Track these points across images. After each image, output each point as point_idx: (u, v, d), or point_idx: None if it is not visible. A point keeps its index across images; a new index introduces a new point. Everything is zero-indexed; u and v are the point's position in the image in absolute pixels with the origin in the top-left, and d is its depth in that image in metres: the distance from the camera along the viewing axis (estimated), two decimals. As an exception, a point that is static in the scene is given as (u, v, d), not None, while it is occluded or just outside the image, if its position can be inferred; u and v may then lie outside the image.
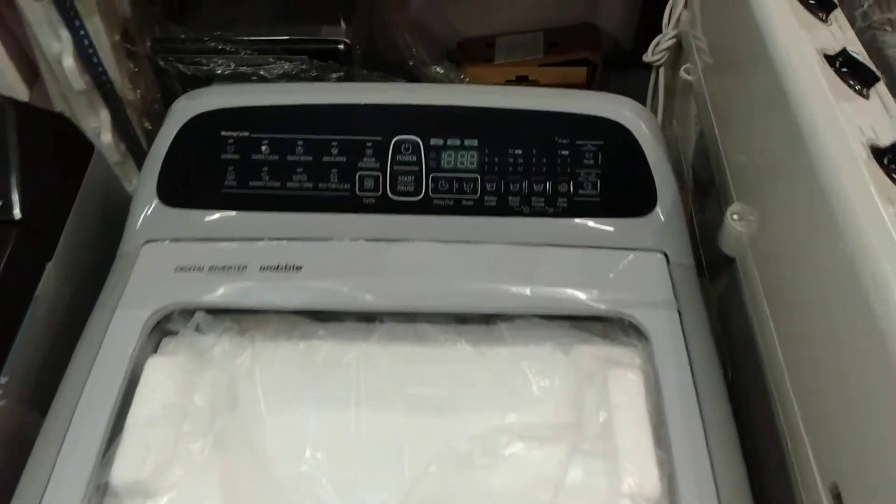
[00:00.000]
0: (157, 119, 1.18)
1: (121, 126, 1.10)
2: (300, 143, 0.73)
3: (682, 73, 0.95)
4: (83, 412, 0.61)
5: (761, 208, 0.71)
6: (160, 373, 0.64)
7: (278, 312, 0.71)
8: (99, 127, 1.07)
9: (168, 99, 1.17)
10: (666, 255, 0.71)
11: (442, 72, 1.22)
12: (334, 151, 0.73)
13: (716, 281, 0.82)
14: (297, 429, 0.65)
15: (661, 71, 1.00)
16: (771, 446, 0.65)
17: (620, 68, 1.29)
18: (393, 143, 0.73)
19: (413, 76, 1.21)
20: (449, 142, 0.72)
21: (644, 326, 0.66)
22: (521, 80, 1.28)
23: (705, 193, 0.87)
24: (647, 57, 1.01)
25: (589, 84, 1.29)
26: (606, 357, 0.67)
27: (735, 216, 0.75)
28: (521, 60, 1.29)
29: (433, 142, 0.73)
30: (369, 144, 0.73)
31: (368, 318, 0.72)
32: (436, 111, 0.73)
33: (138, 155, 1.13)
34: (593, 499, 0.59)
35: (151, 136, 1.16)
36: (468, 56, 1.32)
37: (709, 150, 0.86)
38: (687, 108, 0.98)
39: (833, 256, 0.54)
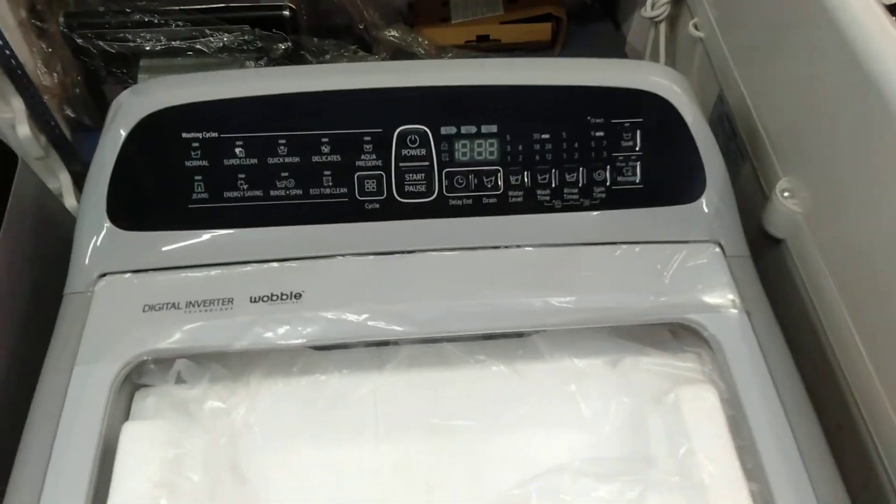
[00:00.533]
0: (81, 105, 1.03)
1: (38, 116, 0.96)
2: (283, 141, 0.60)
3: (691, 29, 0.85)
4: (50, 496, 0.49)
5: (818, 181, 0.63)
6: (140, 443, 0.52)
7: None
8: (13, 118, 0.93)
9: (91, 82, 1.02)
10: (721, 245, 0.62)
11: (397, 34, 1.11)
12: (325, 149, 0.60)
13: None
14: (313, 485, 0.55)
15: (663, 28, 0.91)
16: (853, 455, 0.59)
17: (583, 23, 1.22)
18: (396, 134, 0.61)
19: (364, 42, 1.10)
20: (463, 129, 0.61)
21: (711, 332, 0.57)
22: (482, 40, 1.19)
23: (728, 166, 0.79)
24: (646, 12, 0.91)
25: (554, 41, 1.21)
26: (666, 370, 0.59)
27: (786, 194, 0.67)
28: (479, 19, 1.21)
29: (444, 130, 0.61)
30: (368, 138, 0.61)
31: (381, 342, 0.61)
32: (445, 93, 0.62)
33: (62, 148, 0.98)
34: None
35: (74, 125, 1.02)
36: (422, 16, 1.22)
37: (732, 118, 0.78)
38: (690, 69, 0.89)
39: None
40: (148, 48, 0.99)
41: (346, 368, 0.61)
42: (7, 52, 0.87)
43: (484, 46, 1.19)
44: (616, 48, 1.18)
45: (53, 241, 0.66)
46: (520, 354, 0.62)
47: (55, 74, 0.99)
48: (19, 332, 0.62)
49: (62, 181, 0.99)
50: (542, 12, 1.20)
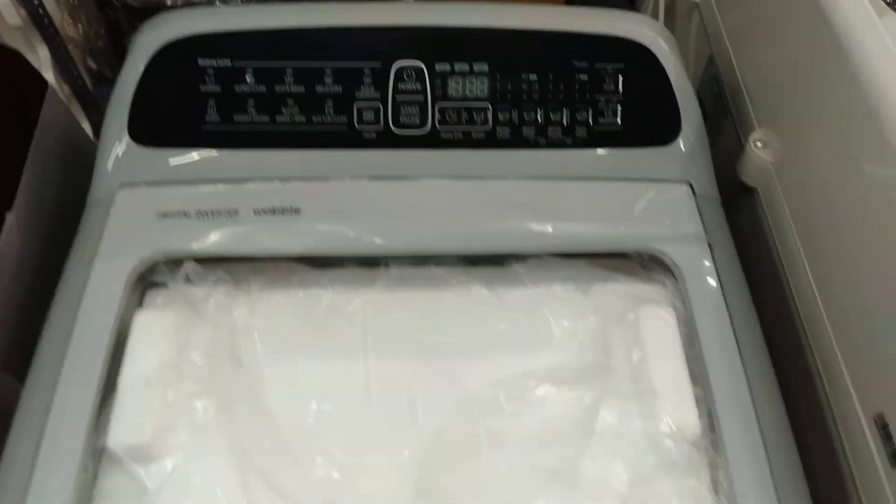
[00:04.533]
0: (103, 57, 1.14)
1: (62, 66, 1.05)
2: (289, 71, 0.70)
3: (688, -5, 0.95)
4: (68, 374, 0.59)
5: (788, 133, 0.72)
6: (151, 329, 0.62)
7: (274, 260, 0.69)
8: (38, 66, 1.02)
9: (114, 35, 1.13)
10: (692, 186, 0.71)
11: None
12: (328, 80, 0.70)
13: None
14: (303, 384, 0.64)
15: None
16: (800, 382, 0.67)
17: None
18: (394, 69, 0.71)
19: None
20: (456, 67, 0.70)
21: (674, 261, 0.66)
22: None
23: (714, 123, 0.87)
24: (648, -22, 1.00)
25: None
26: (631, 295, 0.68)
27: (758, 143, 0.75)
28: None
29: (439, 67, 0.70)
30: (367, 72, 0.70)
31: (372, 262, 0.70)
32: (441, 33, 0.71)
33: (83, 98, 1.09)
34: (630, 442, 0.60)
35: (96, 77, 1.12)
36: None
37: (721, 77, 0.86)
38: (688, 33, 0.98)
39: (881, 172, 0.55)
40: (169, 3, 1.09)
41: (340, 284, 0.70)
42: (37, 2, 0.98)
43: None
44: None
45: (77, 167, 0.75)
46: (500, 280, 0.70)
47: (80, 26, 1.09)
48: (43, 241, 0.73)
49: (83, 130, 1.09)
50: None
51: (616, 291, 0.68)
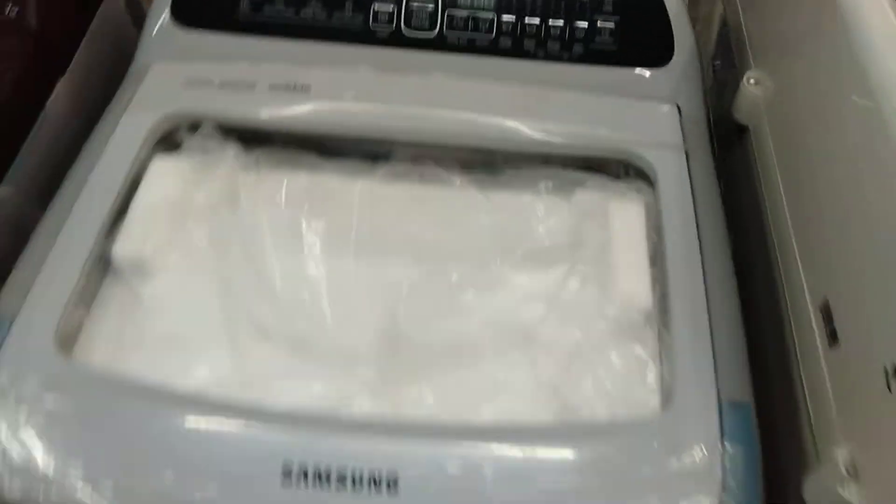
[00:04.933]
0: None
1: None
2: None
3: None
4: (86, 198, 0.66)
5: (779, 75, 0.76)
6: (166, 170, 0.70)
7: (284, 145, 0.76)
8: None
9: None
10: (679, 107, 0.76)
11: None
12: (349, -20, 0.78)
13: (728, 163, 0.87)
14: (295, 248, 0.70)
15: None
16: (765, 281, 0.71)
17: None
18: (410, -26, 0.78)
19: None
20: (467, -24, 0.78)
21: (650, 163, 0.71)
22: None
23: (725, 87, 0.92)
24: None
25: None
26: (610, 194, 0.72)
27: (752, 80, 0.80)
28: None
29: (450, -26, 0.78)
30: (385, -24, 0.78)
31: (374, 156, 0.77)
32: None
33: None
34: (587, 309, 0.64)
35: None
36: None
37: (728, 26, 0.91)
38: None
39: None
40: None
41: (342, 172, 0.77)
42: None
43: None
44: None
45: (132, 44, 0.84)
46: (492, 184, 0.76)
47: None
48: (88, 106, 0.81)
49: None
50: None
51: (595, 189, 0.72)
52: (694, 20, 0.95)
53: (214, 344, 0.63)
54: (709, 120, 0.78)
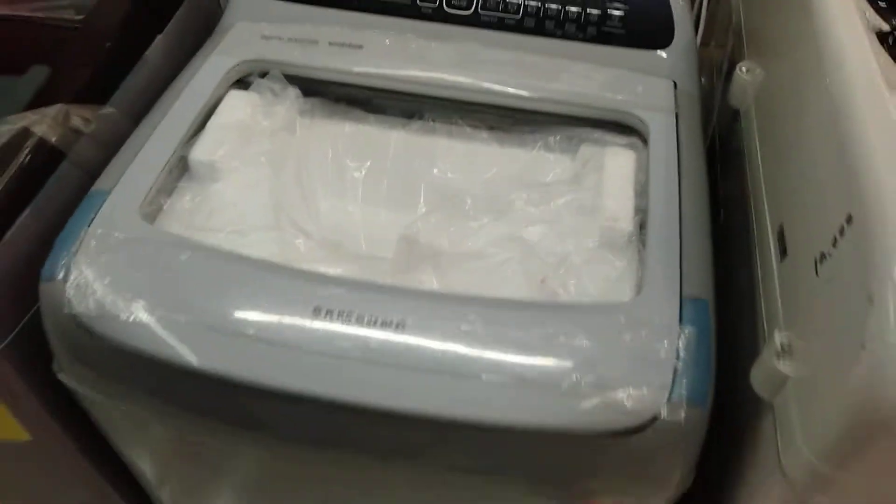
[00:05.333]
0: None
1: None
2: None
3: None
4: (174, 115, 0.81)
5: (767, 63, 0.88)
6: (239, 99, 0.85)
7: (336, 101, 0.91)
8: None
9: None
10: (675, 83, 0.89)
11: None
12: (404, -39, 0.93)
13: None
14: (337, 174, 0.85)
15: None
16: (741, 217, 0.81)
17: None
18: (454, -41, 0.93)
19: None
20: (502, -35, 0.92)
21: (643, 121, 0.83)
22: None
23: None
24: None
25: None
26: (607, 146, 0.84)
27: (744, 69, 0.92)
28: None
29: (489, -38, 0.93)
30: (433, -40, 0.93)
31: (410, 114, 0.91)
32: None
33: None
34: (580, 227, 0.76)
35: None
36: None
37: (732, 27, 1.04)
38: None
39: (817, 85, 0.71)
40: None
41: (384, 125, 0.91)
42: None
43: None
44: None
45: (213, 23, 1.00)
46: (509, 140, 0.90)
47: None
48: (182, 57, 0.97)
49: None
50: None
51: (595, 141, 0.85)
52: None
53: (264, 236, 0.76)
54: (700, 95, 0.90)
